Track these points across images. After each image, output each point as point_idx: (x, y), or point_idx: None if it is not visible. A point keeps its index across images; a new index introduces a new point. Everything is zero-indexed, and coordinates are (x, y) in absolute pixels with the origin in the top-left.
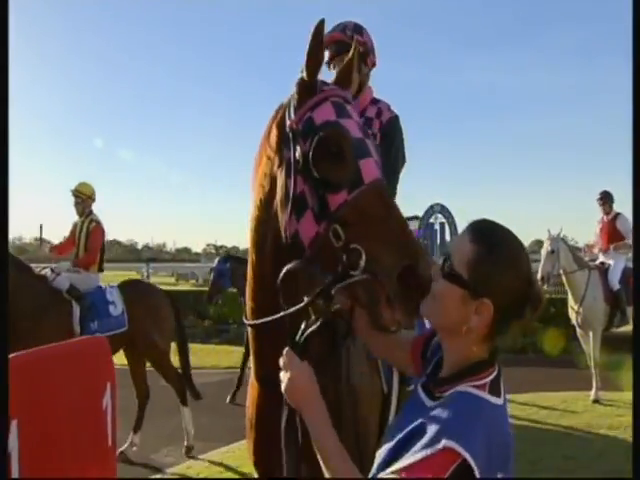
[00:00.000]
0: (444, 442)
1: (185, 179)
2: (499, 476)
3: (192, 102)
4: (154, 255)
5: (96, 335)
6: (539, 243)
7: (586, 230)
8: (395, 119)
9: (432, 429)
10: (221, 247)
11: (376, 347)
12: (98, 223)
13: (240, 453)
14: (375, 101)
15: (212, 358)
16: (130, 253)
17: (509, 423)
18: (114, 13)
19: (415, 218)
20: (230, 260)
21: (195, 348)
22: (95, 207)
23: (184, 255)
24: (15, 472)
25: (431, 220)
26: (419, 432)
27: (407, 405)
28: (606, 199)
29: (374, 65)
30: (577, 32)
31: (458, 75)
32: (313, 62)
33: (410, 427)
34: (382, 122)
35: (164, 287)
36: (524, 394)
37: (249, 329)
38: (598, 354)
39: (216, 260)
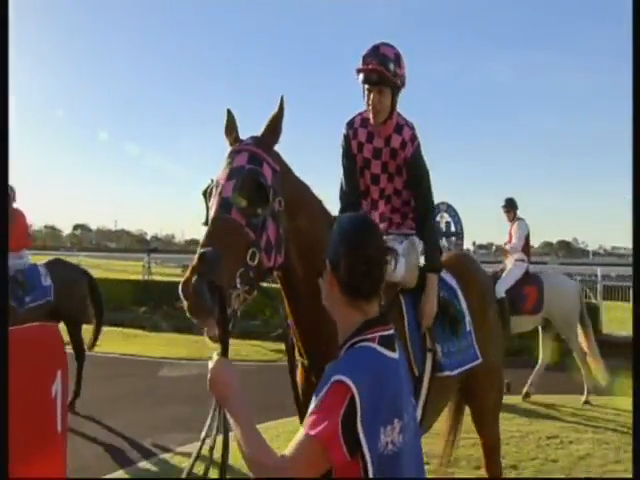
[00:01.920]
0: (333, 379)
1: (190, 173)
2: (396, 423)
3: (197, 94)
4: (163, 246)
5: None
6: (549, 245)
7: (601, 235)
8: (417, 150)
9: (327, 377)
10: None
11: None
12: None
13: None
14: (399, 128)
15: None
16: (138, 243)
17: (407, 376)
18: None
19: None
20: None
21: (191, 339)
22: (105, 196)
23: (194, 247)
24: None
25: (437, 219)
26: (319, 387)
27: None
28: (509, 207)
29: (404, 86)
30: (600, 32)
31: (473, 74)
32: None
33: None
34: (406, 156)
35: (167, 278)
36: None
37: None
38: None
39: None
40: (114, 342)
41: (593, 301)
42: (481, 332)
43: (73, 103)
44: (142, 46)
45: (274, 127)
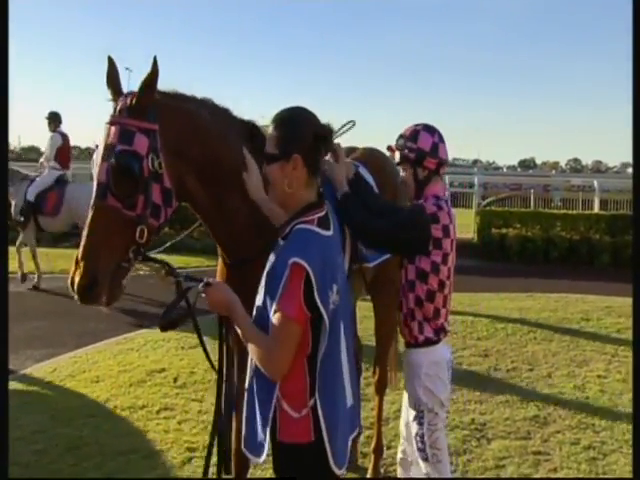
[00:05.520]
0: (290, 261)
1: (29, 64)
2: (334, 287)
3: None
4: None
5: None
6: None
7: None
8: None
9: (282, 259)
10: (75, 147)
11: (271, 216)
12: None
13: (86, 358)
14: None
15: (62, 262)
16: None
17: (338, 249)
18: None
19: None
20: None
21: (44, 252)
22: None
23: (32, 155)
24: None
25: None
26: (275, 267)
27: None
28: (49, 119)
29: None
30: None
31: None
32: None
33: (268, 267)
34: None
35: None
36: None
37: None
38: None
39: None
40: None
41: None
42: None
43: None
44: None
45: (149, 85)
